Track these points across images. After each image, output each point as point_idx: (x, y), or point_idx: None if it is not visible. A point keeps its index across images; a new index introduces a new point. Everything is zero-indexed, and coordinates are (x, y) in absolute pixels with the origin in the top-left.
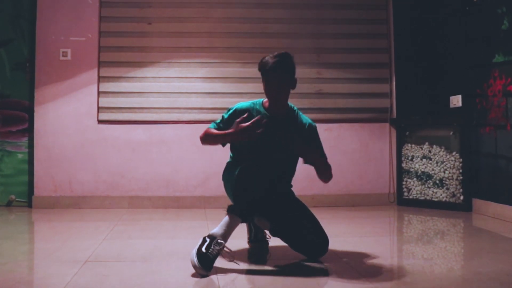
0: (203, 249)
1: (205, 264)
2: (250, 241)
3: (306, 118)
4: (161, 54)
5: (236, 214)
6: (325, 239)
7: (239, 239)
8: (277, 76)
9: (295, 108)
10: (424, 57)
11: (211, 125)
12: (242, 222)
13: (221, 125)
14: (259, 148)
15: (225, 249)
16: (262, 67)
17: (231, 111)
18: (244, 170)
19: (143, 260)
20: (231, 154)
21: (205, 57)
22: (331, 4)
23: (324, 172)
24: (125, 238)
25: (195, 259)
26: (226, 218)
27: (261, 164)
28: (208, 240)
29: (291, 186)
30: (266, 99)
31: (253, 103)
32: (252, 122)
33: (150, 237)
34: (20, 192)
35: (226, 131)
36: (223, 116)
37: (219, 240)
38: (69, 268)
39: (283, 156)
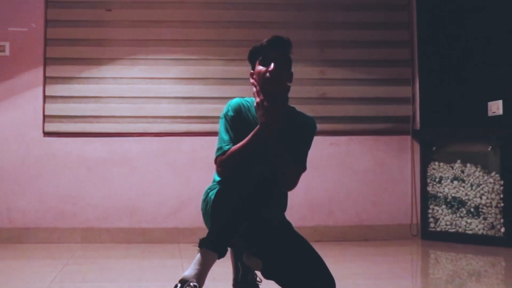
0: None
1: None
2: (236, 284)
3: (308, 116)
4: (123, 48)
5: (209, 247)
6: (331, 283)
7: (223, 282)
8: (276, 54)
9: (293, 106)
10: (455, 51)
11: (218, 152)
12: (219, 257)
13: (230, 138)
14: (262, 156)
15: None
16: (256, 49)
17: (232, 114)
18: (222, 191)
19: None
20: (215, 177)
21: (179, 52)
22: None
23: (282, 166)
24: (78, 281)
25: None
26: (198, 255)
27: (246, 182)
28: (179, 285)
29: (286, 208)
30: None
31: (246, 100)
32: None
33: (110, 280)
34: None
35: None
36: (222, 133)
37: (192, 284)
38: None
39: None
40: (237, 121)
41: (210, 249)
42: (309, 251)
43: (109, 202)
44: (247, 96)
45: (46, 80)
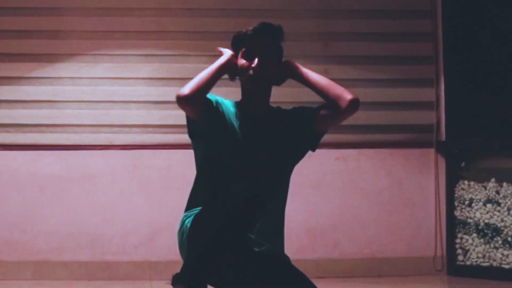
0: None
1: None
2: None
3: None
4: (83, 42)
5: (184, 284)
6: None
7: None
8: (261, 44)
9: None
10: (489, 47)
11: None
12: None
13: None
14: (236, 162)
15: None
16: (237, 37)
17: (212, 100)
18: (199, 216)
19: None
20: (190, 199)
21: (151, 47)
22: None
23: (329, 85)
24: None
25: None
26: None
27: (225, 204)
28: None
29: (283, 245)
30: (238, 101)
31: (228, 101)
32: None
33: None
34: None
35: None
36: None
37: None
38: None
39: (275, 187)
40: (217, 113)
41: (186, 286)
42: None
43: (67, 229)
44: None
45: None
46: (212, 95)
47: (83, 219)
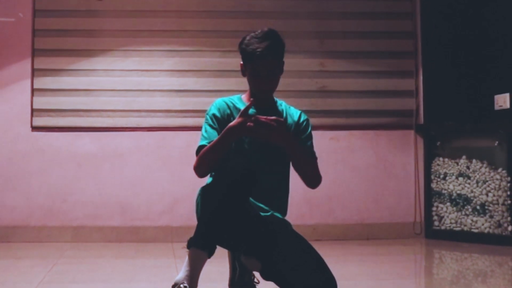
0: None
1: None
2: (232, 284)
3: (296, 110)
4: (115, 39)
5: (196, 246)
6: (332, 283)
7: (219, 282)
8: (269, 64)
9: (281, 102)
10: (461, 44)
11: (200, 142)
12: (208, 256)
13: (210, 137)
14: (245, 151)
15: None
16: (248, 48)
17: (215, 113)
18: (206, 188)
19: None
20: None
21: (173, 44)
22: None
23: (307, 166)
24: (68, 281)
25: None
26: (188, 256)
27: (226, 176)
28: None
29: (286, 212)
30: (243, 94)
31: (229, 99)
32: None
33: (101, 280)
34: None
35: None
36: (205, 129)
37: (182, 285)
38: None
39: (271, 158)
40: (220, 121)
41: (198, 248)
42: (309, 251)
43: (100, 199)
44: (244, 89)
45: (34, 72)
46: (216, 108)
47: (115, 190)
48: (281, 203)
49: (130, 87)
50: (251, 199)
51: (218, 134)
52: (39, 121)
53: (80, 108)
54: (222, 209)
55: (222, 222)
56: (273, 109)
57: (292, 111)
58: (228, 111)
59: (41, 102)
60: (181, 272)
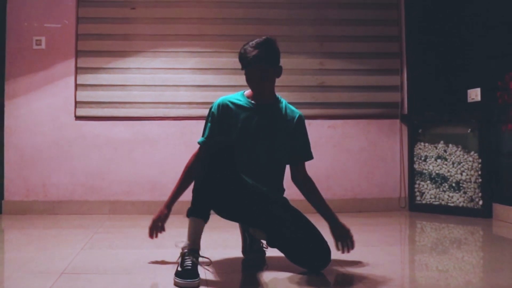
0: (179, 268)
1: (186, 276)
2: (244, 251)
3: (295, 109)
4: (145, 42)
5: (192, 215)
6: (326, 250)
7: (234, 249)
8: (258, 70)
9: (282, 100)
10: (439, 46)
11: (200, 139)
12: (205, 221)
13: (207, 138)
14: (247, 139)
15: (199, 257)
16: (242, 57)
17: (214, 113)
18: (198, 163)
19: (126, 272)
20: None
21: (195, 46)
22: None
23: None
24: (106, 247)
25: (177, 280)
26: (188, 224)
27: (209, 154)
28: (180, 257)
29: (283, 190)
30: (247, 90)
31: (231, 97)
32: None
33: (134, 247)
34: None
35: (168, 199)
36: (206, 126)
37: (186, 251)
38: (43, 281)
39: (267, 148)
40: (219, 118)
41: (194, 216)
42: (306, 223)
43: (133, 178)
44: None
45: (78, 70)
46: (218, 106)
47: (145, 170)
48: (279, 185)
49: (158, 83)
50: (251, 181)
51: (216, 131)
52: (82, 111)
53: (116, 101)
54: (208, 179)
55: (209, 190)
56: (274, 106)
57: (291, 110)
58: (229, 106)
59: (83, 95)
60: (185, 239)
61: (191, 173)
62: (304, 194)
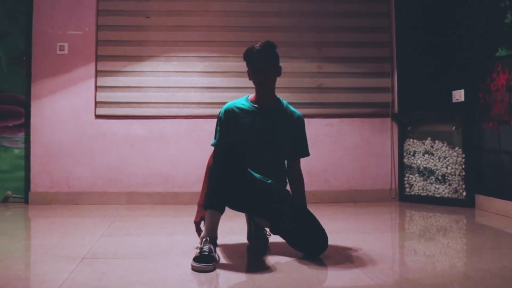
0: (197, 254)
1: (203, 261)
2: (249, 237)
3: (295, 110)
4: (159, 48)
5: (210, 208)
6: (324, 237)
7: (240, 235)
8: (264, 61)
9: (283, 101)
10: (426, 51)
11: (212, 142)
12: (220, 213)
13: (219, 140)
14: (252, 140)
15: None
16: (248, 53)
17: (222, 118)
18: (213, 162)
19: (141, 257)
20: None
21: (203, 51)
22: None
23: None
24: (123, 234)
25: (195, 264)
26: (206, 215)
27: (221, 153)
28: (199, 246)
29: (285, 184)
30: (251, 95)
31: (237, 101)
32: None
33: (149, 234)
34: (17, 188)
35: (201, 198)
36: (216, 130)
37: (204, 239)
38: (66, 265)
39: (270, 146)
40: (227, 121)
41: (211, 209)
42: (306, 213)
43: (148, 171)
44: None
45: (97, 73)
46: (224, 112)
47: (159, 164)
48: (281, 175)
49: (171, 85)
50: (256, 174)
51: (225, 133)
52: (101, 111)
53: (133, 101)
54: (222, 176)
55: (224, 185)
56: (275, 108)
57: (291, 111)
58: (235, 111)
59: (102, 96)
60: (204, 228)
61: (212, 172)
62: (291, 186)
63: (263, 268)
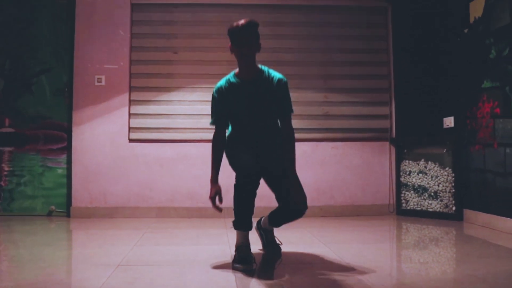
0: (237, 257)
1: (244, 262)
2: (264, 247)
3: (277, 74)
4: (185, 80)
5: (240, 229)
6: (304, 196)
7: (256, 245)
8: (248, 32)
9: (264, 69)
10: (421, 83)
11: (210, 121)
12: (248, 231)
13: (217, 117)
14: (242, 111)
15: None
16: (233, 28)
17: (215, 96)
18: (236, 190)
19: (169, 264)
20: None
21: None
22: (337, 36)
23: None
24: (154, 244)
25: (237, 266)
26: (237, 232)
27: (241, 181)
28: (235, 252)
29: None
30: (236, 70)
31: (226, 78)
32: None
33: (176, 244)
34: (60, 203)
35: (212, 174)
36: (212, 109)
37: (238, 247)
38: (103, 271)
39: (260, 112)
40: (219, 99)
41: (241, 230)
42: (292, 175)
43: (175, 188)
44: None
45: (131, 102)
46: (216, 90)
47: (185, 183)
48: (275, 134)
49: (196, 112)
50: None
51: (220, 110)
52: (134, 135)
53: (162, 127)
54: (246, 204)
55: (249, 211)
56: (258, 77)
57: (274, 74)
58: (225, 86)
59: (135, 122)
60: (237, 240)
61: (217, 148)
62: (282, 142)
63: (274, 273)
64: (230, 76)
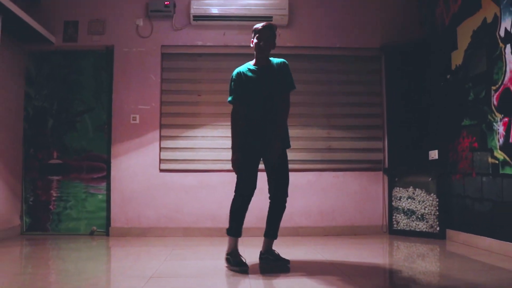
0: (232, 263)
1: (240, 264)
2: (260, 257)
3: (279, 60)
4: (208, 118)
5: (233, 235)
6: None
7: (248, 257)
8: (268, 31)
9: (272, 59)
10: (410, 121)
11: (229, 99)
12: (239, 237)
13: (236, 96)
14: (258, 89)
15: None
16: (258, 27)
17: (234, 78)
18: (234, 201)
19: (195, 276)
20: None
21: None
22: (338, 81)
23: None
24: (181, 259)
25: (234, 268)
26: (228, 238)
27: (240, 191)
28: (229, 257)
29: (288, 144)
30: (253, 61)
31: (245, 65)
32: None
33: (200, 259)
34: (100, 224)
35: (233, 143)
36: (231, 89)
37: (231, 252)
38: (138, 282)
39: (271, 92)
40: (238, 82)
41: (233, 236)
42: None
43: (199, 211)
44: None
45: (161, 138)
46: (235, 74)
47: (208, 206)
48: (285, 139)
49: (217, 146)
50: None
51: (239, 91)
52: (164, 166)
53: (188, 159)
54: (243, 213)
55: (243, 219)
56: (269, 66)
57: (277, 62)
58: (244, 71)
59: (165, 155)
60: (228, 247)
61: (236, 123)
62: (278, 110)
63: (276, 283)
64: (248, 64)
